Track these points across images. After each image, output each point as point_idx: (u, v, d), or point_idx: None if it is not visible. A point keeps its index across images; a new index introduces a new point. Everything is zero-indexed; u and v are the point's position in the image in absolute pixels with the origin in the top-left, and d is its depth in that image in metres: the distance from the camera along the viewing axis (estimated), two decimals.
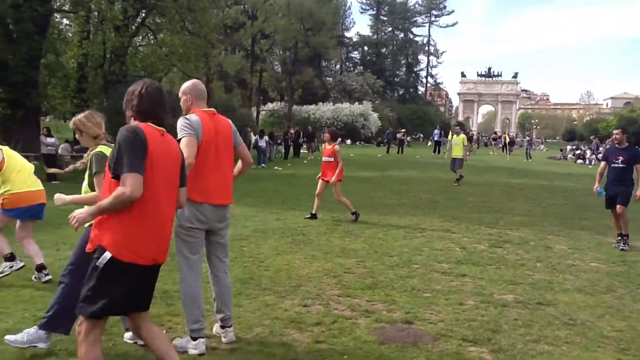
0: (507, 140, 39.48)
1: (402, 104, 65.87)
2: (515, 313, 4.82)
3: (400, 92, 76.76)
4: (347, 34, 73.16)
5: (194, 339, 3.82)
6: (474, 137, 46.54)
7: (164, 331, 4.15)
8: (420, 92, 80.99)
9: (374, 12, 77.08)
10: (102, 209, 2.77)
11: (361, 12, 78.62)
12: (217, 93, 43.69)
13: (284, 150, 27.58)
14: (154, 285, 3.06)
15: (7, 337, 3.73)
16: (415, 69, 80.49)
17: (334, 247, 7.32)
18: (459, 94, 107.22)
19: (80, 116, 3.95)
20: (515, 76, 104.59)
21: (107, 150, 3.64)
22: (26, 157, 16.01)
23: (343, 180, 9.83)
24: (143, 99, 3.02)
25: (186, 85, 4.08)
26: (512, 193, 14.38)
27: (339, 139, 9.75)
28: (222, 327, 4.07)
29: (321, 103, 50.85)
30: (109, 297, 2.76)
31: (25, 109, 17.86)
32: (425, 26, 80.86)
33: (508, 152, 37.46)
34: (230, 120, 4.16)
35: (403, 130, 38.94)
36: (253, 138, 27.55)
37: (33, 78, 18.27)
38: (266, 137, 23.85)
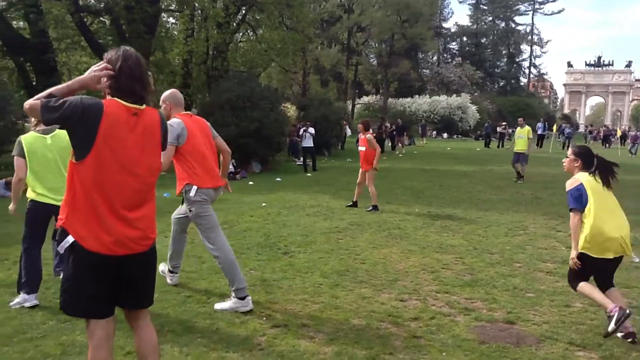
0: (619, 134, 36.81)
1: (503, 96, 63.26)
2: (630, 318, 4.49)
3: (501, 83, 73.78)
4: (445, 25, 71.50)
5: (242, 298, 4.42)
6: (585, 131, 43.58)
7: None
8: (522, 84, 77.40)
9: (473, 2, 74.57)
10: None
11: (460, 2, 76.64)
12: (313, 87, 44.30)
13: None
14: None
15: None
16: (517, 60, 77.00)
17: (431, 242, 7.20)
18: (564, 85, 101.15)
19: None
20: (628, 65, 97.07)
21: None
22: None
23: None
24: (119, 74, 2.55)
25: (165, 94, 4.77)
26: (624, 190, 13.39)
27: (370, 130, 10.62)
28: (172, 272, 5.09)
29: (417, 96, 50.03)
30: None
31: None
32: (528, 14, 77.02)
33: (613, 146, 34.96)
34: (204, 119, 4.88)
35: (504, 123, 37.46)
36: (348, 132, 27.60)
37: None
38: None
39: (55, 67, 20.39)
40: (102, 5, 20.20)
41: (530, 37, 76.96)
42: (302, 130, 18.02)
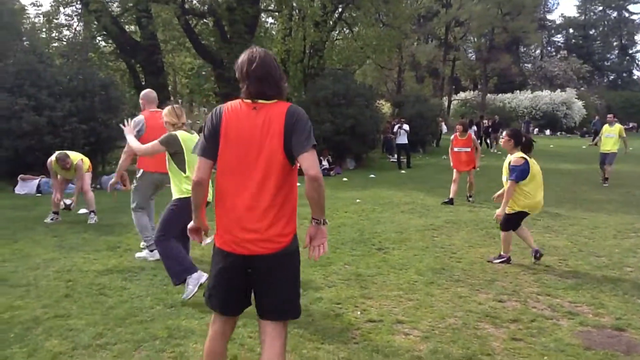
0: None
1: (613, 91, 59.14)
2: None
3: (611, 77, 68.99)
4: (549, 17, 67.97)
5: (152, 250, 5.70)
6: None
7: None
8: (636, 77, 71.98)
9: None
10: None
11: None
12: (408, 83, 43.79)
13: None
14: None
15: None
16: (630, 51, 71.63)
17: None
18: None
19: (165, 109, 4.90)
20: None
21: (183, 135, 4.68)
22: None
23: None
24: (244, 75, 2.63)
25: (143, 92, 6.31)
26: None
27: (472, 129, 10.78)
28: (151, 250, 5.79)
29: (518, 91, 47.96)
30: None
31: None
32: None
33: None
34: None
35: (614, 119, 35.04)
36: (444, 129, 27.02)
37: None
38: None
39: (162, 68, 21.64)
40: (205, 8, 21.09)
41: None
42: (396, 127, 17.89)
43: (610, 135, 13.31)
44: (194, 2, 22.62)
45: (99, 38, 22.73)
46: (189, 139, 4.68)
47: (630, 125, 53.01)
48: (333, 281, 5.15)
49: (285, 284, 2.63)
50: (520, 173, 5.74)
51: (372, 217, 8.59)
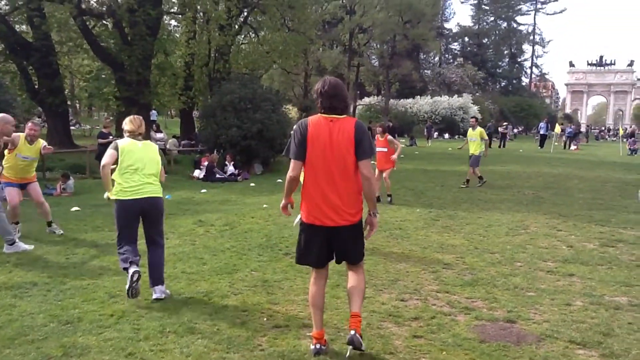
0: (621, 133, 36.64)
1: (505, 96, 63.15)
2: (630, 316, 4.50)
3: (503, 83, 73.60)
4: (447, 25, 71.40)
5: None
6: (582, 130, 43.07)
7: (266, 318, 4.31)
8: (524, 84, 77.26)
9: (475, 2, 74.43)
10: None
11: (462, 2, 76.87)
12: (314, 88, 44.30)
13: None
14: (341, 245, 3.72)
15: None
16: (519, 60, 76.82)
17: (432, 243, 7.22)
18: (566, 84, 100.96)
19: (126, 118, 4.94)
20: (630, 64, 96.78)
21: (125, 144, 4.74)
22: None
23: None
24: (320, 96, 3.61)
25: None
26: (627, 190, 13.36)
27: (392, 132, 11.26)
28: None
29: (419, 96, 50.00)
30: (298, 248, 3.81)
31: (138, 106, 19.06)
32: (530, 14, 76.87)
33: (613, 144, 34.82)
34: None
35: (505, 123, 37.39)
36: None
37: (146, 77, 19.46)
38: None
39: (58, 70, 20.47)
40: (104, 9, 20.22)
41: (532, 37, 76.84)
42: None
43: (473, 139, 13.72)
44: (92, 2, 21.63)
45: None
46: (130, 150, 4.74)
47: (520, 129, 56.77)
48: (239, 288, 5.10)
49: (358, 242, 3.78)
50: None
51: (280, 222, 8.59)
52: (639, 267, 6.10)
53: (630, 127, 51.03)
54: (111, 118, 21.83)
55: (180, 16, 23.41)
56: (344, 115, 3.59)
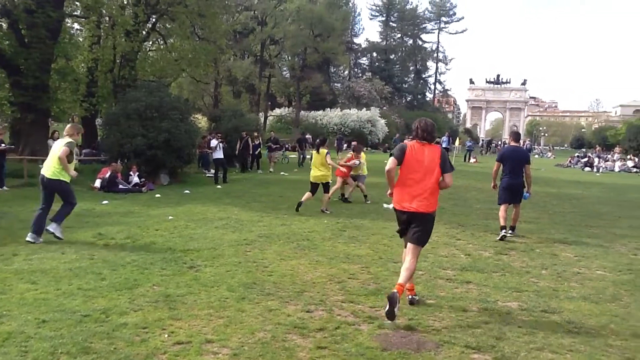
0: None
1: (410, 110, 65.66)
2: (520, 321, 4.79)
3: (409, 98, 76.63)
4: (356, 40, 73.48)
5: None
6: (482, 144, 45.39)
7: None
8: (428, 99, 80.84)
9: (383, 19, 77.21)
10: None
11: (371, 19, 78.83)
12: (225, 98, 43.84)
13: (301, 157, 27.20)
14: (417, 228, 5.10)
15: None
16: (423, 76, 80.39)
17: (338, 253, 7.32)
18: (467, 100, 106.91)
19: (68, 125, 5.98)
20: (524, 83, 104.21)
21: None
22: (34, 160, 16.03)
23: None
24: (417, 129, 5.21)
25: None
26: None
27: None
28: None
29: (329, 109, 50.89)
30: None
31: (36, 112, 17.95)
32: (434, 33, 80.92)
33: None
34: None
35: (411, 137, 38.74)
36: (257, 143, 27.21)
37: (44, 82, 18.35)
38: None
39: None
40: None
41: (436, 55, 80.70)
42: (216, 142, 17.78)
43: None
44: None
45: None
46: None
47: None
48: (140, 304, 4.89)
49: (427, 228, 5.20)
50: None
51: (185, 234, 8.38)
52: (528, 274, 6.52)
53: (525, 142, 54.52)
54: (5, 125, 20.41)
55: (83, 20, 22.36)
56: (432, 143, 5.20)
